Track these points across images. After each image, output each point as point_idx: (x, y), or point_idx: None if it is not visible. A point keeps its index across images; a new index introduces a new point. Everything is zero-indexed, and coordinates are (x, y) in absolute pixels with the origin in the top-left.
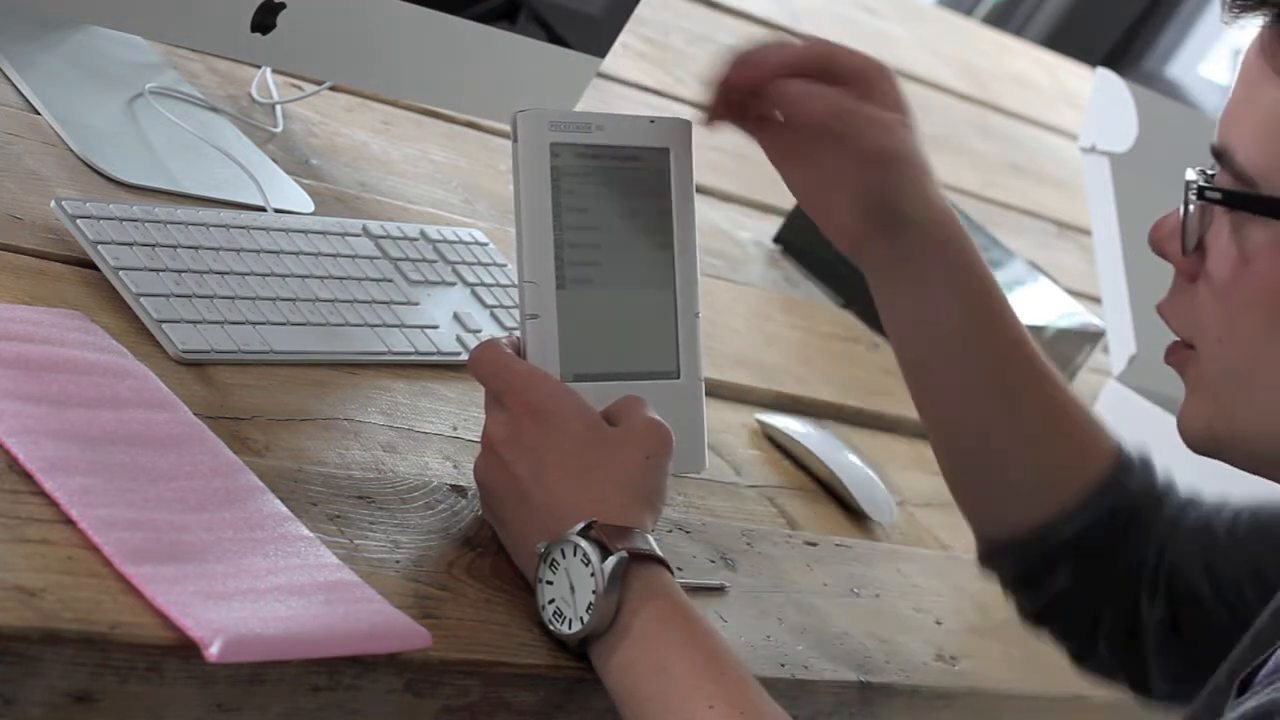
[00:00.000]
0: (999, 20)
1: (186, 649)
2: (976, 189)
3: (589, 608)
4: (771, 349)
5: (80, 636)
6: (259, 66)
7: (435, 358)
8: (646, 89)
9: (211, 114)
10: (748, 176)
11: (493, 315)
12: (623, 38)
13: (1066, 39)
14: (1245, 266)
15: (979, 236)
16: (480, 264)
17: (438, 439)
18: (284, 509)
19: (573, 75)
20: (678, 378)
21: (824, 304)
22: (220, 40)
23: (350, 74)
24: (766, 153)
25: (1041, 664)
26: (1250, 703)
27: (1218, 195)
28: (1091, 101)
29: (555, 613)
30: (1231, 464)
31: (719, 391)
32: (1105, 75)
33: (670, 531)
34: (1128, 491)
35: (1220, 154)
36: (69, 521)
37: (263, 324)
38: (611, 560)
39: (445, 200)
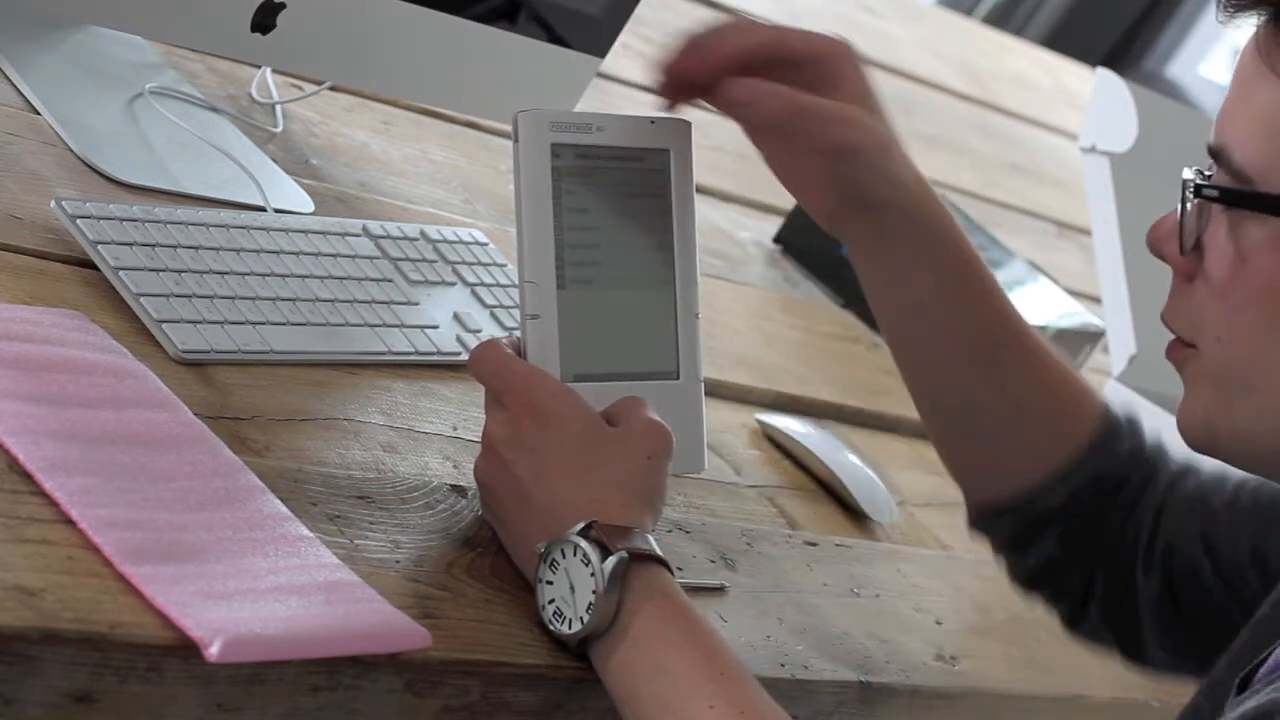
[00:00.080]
0: (999, 20)
1: (186, 649)
2: (976, 189)
3: (589, 608)
4: (771, 349)
5: (80, 636)
6: (259, 66)
7: (435, 358)
8: (646, 89)
9: (211, 114)
10: (748, 176)
11: (493, 315)
12: (623, 38)
13: (1066, 39)
14: (1243, 265)
15: (979, 236)
16: (480, 264)
17: (438, 439)
18: (284, 509)
19: (573, 75)
20: (677, 378)
21: (824, 304)
22: (220, 40)
23: (350, 74)
24: (744, 131)
25: (1041, 664)
26: (1250, 703)
27: (1215, 193)
28: (1091, 101)
29: (555, 613)
30: (1229, 461)
31: (719, 391)
32: (1105, 75)
33: (670, 531)
34: (1115, 456)
35: (1217, 153)
36: (69, 521)
37: (263, 324)
38: (611, 560)
39: (445, 200)
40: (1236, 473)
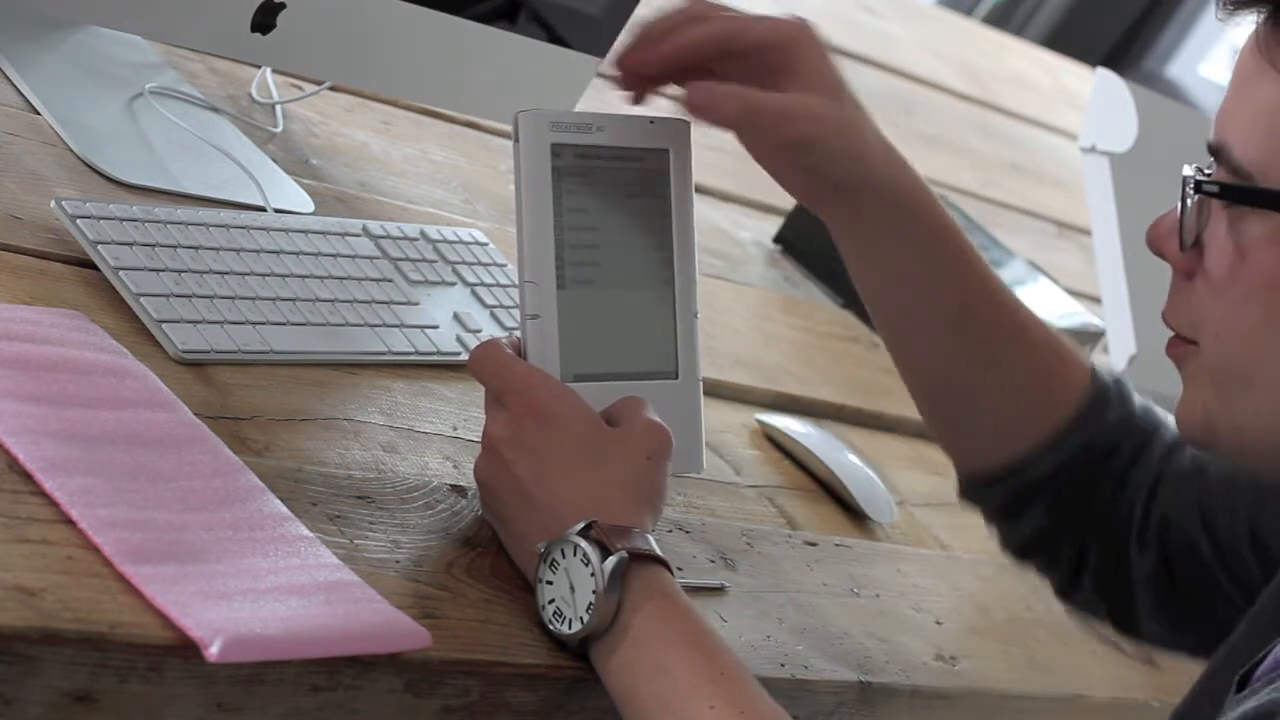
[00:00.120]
0: (999, 20)
1: (186, 649)
2: (976, 189)
3: (589, 608)
4: (771, 349)
5: (80, 636)
6: (259, 66)
7: (435, 358)
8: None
9: (211, 114)
10: (748, 176)
11: (493, 315)
12: (623, 37)
13: (1066, 39)
14: (1242, 261)
15: (979, 236)
16: (480, 264)
17: (438, 439)
18: (284, 509)
19: (573, 75)
20: (676, 378)
21: (824, 304)
22: (220, 40)
23: (350, 74)
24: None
25: (1041, 664)
26: (1250, 703)
27: (1215, 189)
28: (1091, 101)
29: (555, 613)
30: (1226, 457)
31: (719, 391)
32: (1105, 75)
33: (670, 531)
34: (1104, 424)
35: (1217, 150)
36: (69, 521)
37: (263, 324)
38: (611, 560)
39: (445, 200)
40: None
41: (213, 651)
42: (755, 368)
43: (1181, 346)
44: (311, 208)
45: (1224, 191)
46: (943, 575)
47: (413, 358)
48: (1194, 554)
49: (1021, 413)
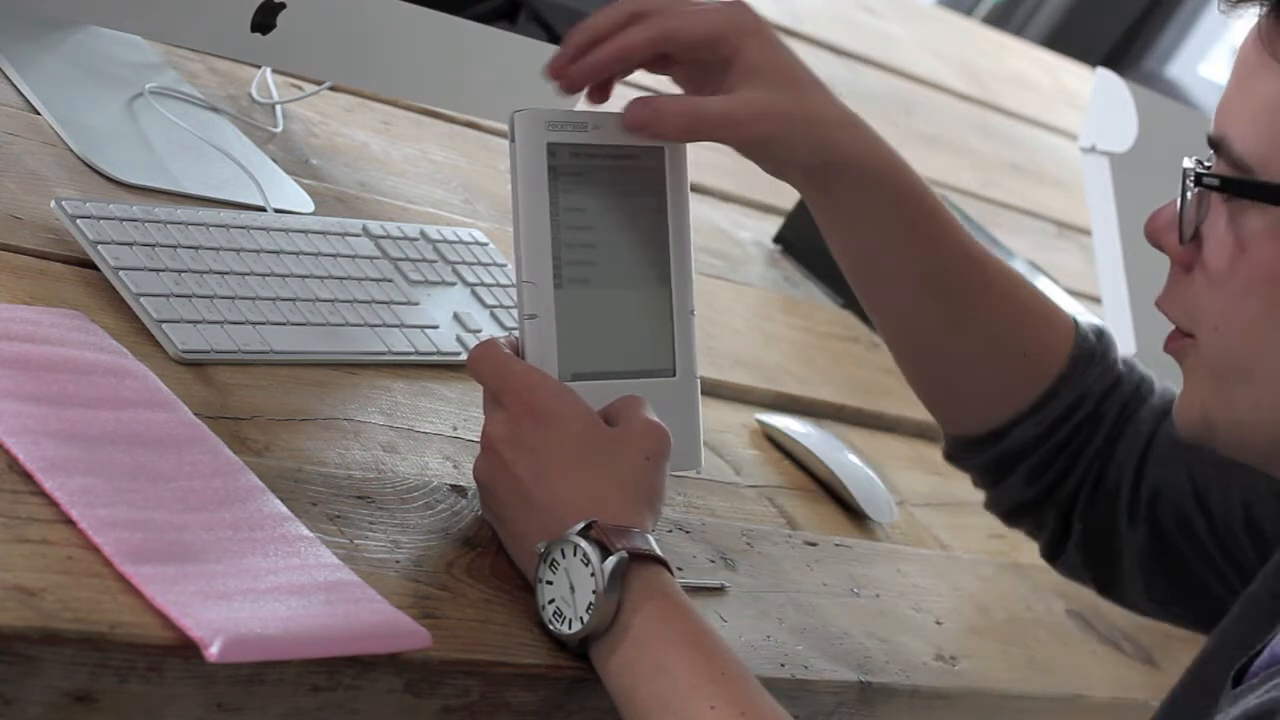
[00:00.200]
0: (999, 20)
1: (186, 649)
2: (976, 189)
3: (589, 608)
4: (771, 349)
5: (80, 636)
6: (259, 66)
7: (435, 358)
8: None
9: (211, 114)
10: (748, 176)
11: (493, 315)
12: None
13: (1066, 39)
14: (1242, 254)
15: (979, 237)
16: (480, 264)
17: (438, 439)
18: (284, 509)
19: None
20: (674, 376)
21: (824, 304)
22: (220, 40)
23: (350, 74)
24: None
25: (1041, 664)
26: (1251, 702)
27: (1215, 182)
28: (1091, 101)
29: (555, 613)
30: (1225, 453)
31: (719, 391)
32: (1105, 75)
33: (670, 531)
34: (1087, 390)
35: (1217, 143)
36: (69, 521)
37: (263, 324)
38: (611, 560)
39: (445, 200)
40: None
41: (213, 651)
42: (755, 368)
43: (1180, 341)
44: (311, 208)
45: (1224, 185)
46: (943, 575)
47: (413, 358)
48: (1189, 530)
49: (1002, 376)
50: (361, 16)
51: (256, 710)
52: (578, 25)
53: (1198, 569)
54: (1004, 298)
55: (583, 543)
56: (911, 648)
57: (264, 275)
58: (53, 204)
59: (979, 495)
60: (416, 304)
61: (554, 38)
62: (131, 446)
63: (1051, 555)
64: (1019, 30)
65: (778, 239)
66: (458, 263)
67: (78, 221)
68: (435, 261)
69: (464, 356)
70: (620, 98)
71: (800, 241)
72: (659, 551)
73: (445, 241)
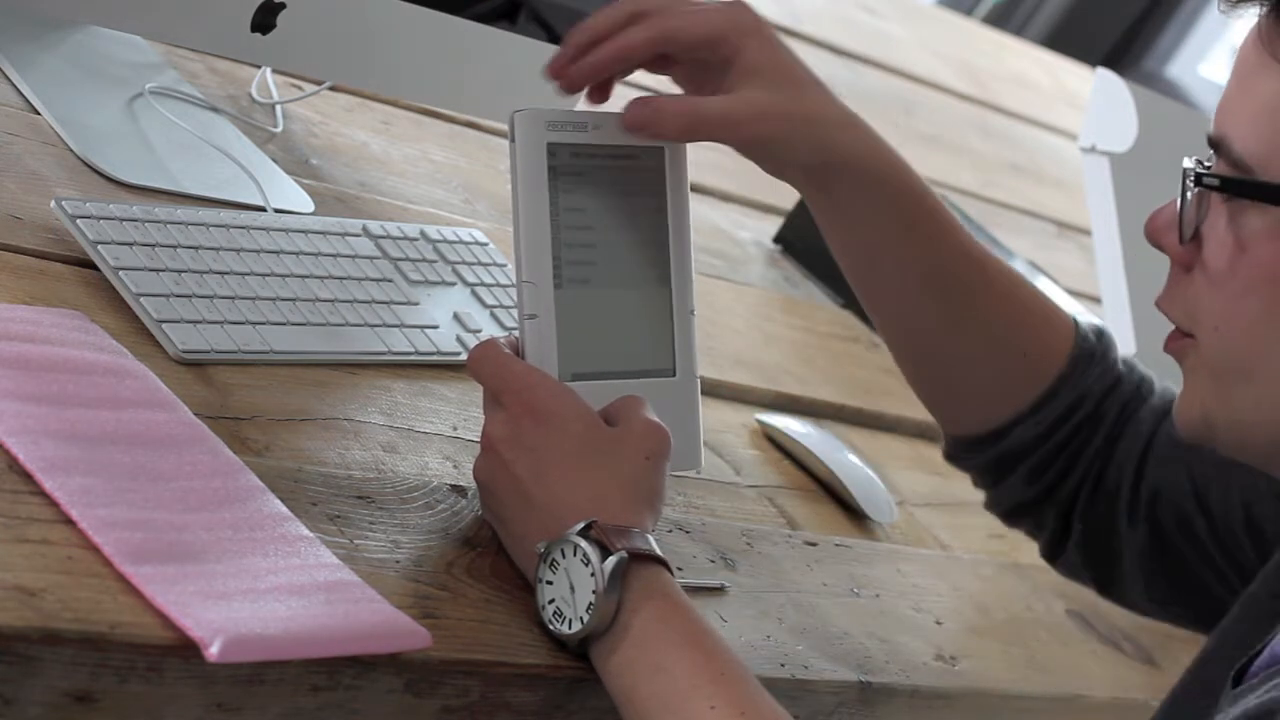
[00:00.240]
0: (999, 20)
1: (186, 649)
2: (976, 189)
3: (589, 608)
4: (771, 349)
5: (80, 636)
6: (259, 66)
7: (435, 358)
8: (645, 89)
9: (211, 114)
10: (748, 176)
11: (493, 315)
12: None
13: (1066, 39)
14: (1242, 254)
15: (979, 237)
16: (480, 264)
17: (438, 439)
18: (284, 509)
19: None
20: (674, 375)
21: (824, 304)
22: (220, 40)
23: (350, 74)
24: None
25: (1041, 664)
26: (1252, 702)
27: (1215, 182)
28: (1091, 101)
29: (555, 613)
30: (1225, 453)
31: (719, 391)
32: (1105, 75)
33: (670, 531)
34: (1087, 391)
35: (1217, 143)
36: (69, 521)
37: (263, 324)
38: (611, 560)
39: (445, 200)
40: None
41: (213, 651)
42: (755, 368)
43: (1180, 341)
44: (311, 208)
45: (1224, 185)
46: (943, 575)
47: (413, 358)
48: (1189, 530)
49: (1002, 377)
50: (361, 16)
51: (256, 710)
52: (578, 25)
53: (1198, 569)
54: (1004, 298)
55: (583, 543)
56: (911, 648)
57: (264, 275)
58: (53, 204)
59: (979, 495)
60: (416, 304)
61: (554, 38)
62: (131, 446)
63: (1051, 555)
64: (1019, 30)
65: (778, 239)
66: (458, 263)
67: (78, 221)
68: (435, 261)
69: (464, 356)
70: (620, 98)
71: (800, 241)
72: (659, 551)
73: (445, 241)
